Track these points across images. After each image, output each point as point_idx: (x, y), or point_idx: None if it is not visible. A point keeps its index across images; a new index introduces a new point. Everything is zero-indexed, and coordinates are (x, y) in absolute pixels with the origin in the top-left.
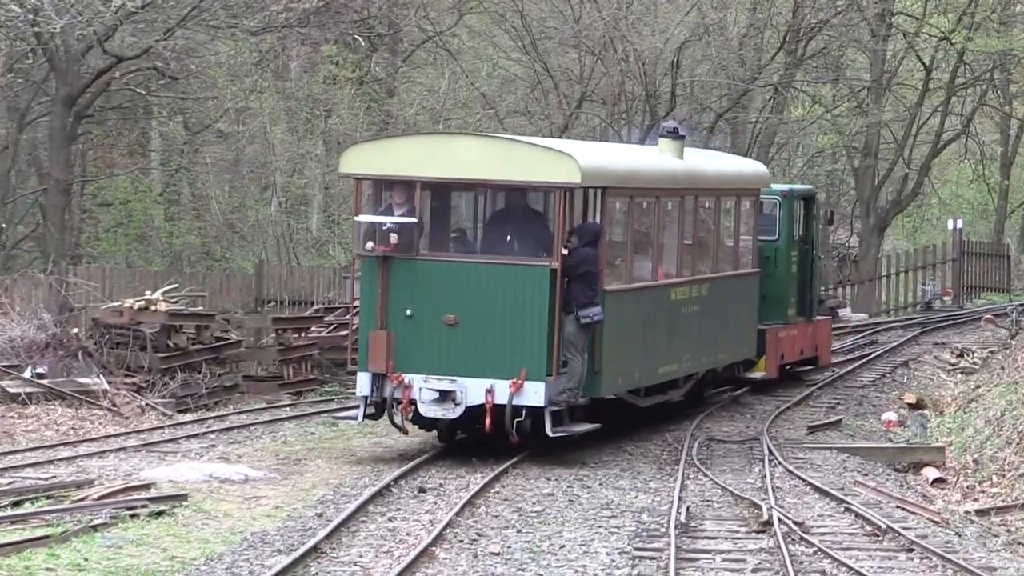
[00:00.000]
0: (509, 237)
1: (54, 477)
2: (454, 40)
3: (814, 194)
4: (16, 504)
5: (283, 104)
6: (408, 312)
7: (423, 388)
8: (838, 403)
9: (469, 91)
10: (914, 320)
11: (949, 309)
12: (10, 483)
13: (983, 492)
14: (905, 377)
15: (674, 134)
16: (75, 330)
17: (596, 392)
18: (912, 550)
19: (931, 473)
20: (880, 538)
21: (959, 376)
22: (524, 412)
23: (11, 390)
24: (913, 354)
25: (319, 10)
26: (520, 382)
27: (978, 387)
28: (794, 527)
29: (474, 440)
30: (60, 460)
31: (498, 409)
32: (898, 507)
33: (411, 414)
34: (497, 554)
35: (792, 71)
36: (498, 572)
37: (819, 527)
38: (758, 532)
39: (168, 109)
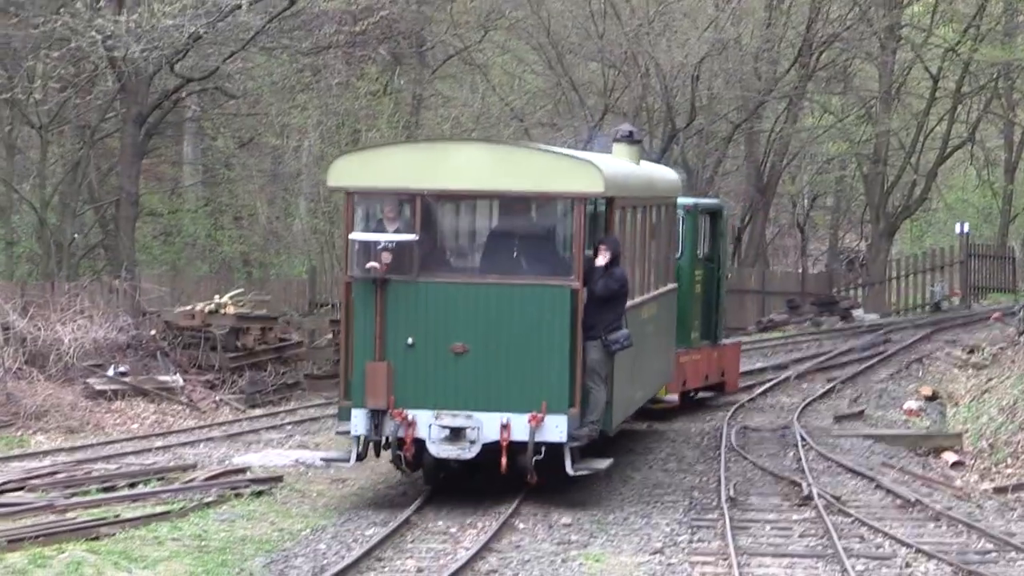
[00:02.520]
0: (516, 254)
1: (155, 463)
2: (480, 55)
3: (721, 208)
4: (132, 485)
5: (326, 120)
6: (409, 340)
7: (433, 425)
8: (859, 396)
9: (500, 106)
10: (925, 320)
11: (957, 309)
12: (117, 468)
13: (999, 473)
14: (920, 372)
15: (630, 138)
16: (152, 332)
17: (609, 425)
18: (939, 519)
19: (950, 457)
20: (910, 510)
21: (970, 371)
22: (543, 449)
23: (98, 387)
24: (926, 351)
25: (366, 31)
26: (540, 416)
27: (990, 380)
28: (832, 500)
29: (459, 479)
30: (157, 449)
31: (514, 446)
32: (923, 484)
33: (412, 454)
34: (569, 525)
35: (804, 83)
36: (573, 539)
37: (854, 501)
38: (800, 505)
39: (217, 124)
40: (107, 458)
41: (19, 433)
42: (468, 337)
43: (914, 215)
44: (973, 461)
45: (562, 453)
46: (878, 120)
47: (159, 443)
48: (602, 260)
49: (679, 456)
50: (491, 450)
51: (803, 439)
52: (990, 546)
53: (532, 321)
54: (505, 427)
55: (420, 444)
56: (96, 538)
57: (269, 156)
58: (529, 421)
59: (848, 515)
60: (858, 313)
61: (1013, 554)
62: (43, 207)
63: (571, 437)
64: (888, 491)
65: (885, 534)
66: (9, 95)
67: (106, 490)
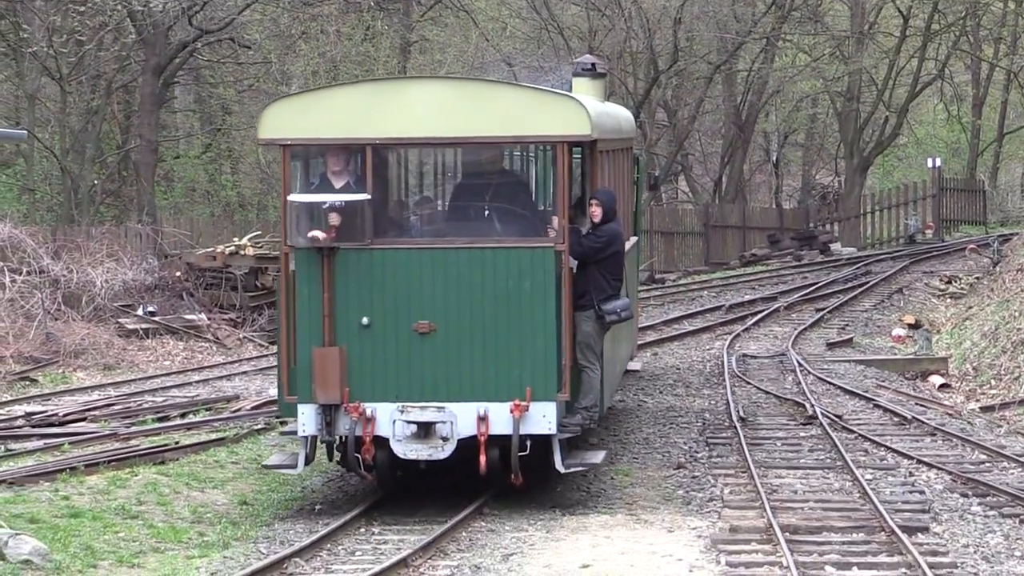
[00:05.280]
0: (488, 212)
1: (198, 395)
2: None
3: (636, 155)
4: (183, 415)
5: (321, 67)
6: (365, 320)
7: (397, 421)
8: (847, 325)
9: (488, 51)
10: (901, 252)
11: (931, 242)
12: (165, 400)
13: (983, 394)
14: (901, 302)
15: (593, 72)
16: (177, 273)
17: (601, 408)
18: (935, 434)
19: (937, 380)
20: (907, 426)
21: (949, 300)
22: (528, 443)
23: (129, 326)
24: (905, 282)
25: None
26: (524, 404)
27: (970, 308)
28: (835, 419)
29: (417, 480)
30: (196, 382)
31: (494, 442)
32: (916, 404)
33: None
34: (594, 444)
35: (781, 24)
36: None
37: (855, 419)
38: (805, 424)
39: (219, 72)
40: (153, 391)
41: (61, 371)
42: (434, 313)
43: (885, 150)
44: (959, 383)
45: (549, 446)
46: (851, 58)
47: (196, 377)
48: (597, 218)
49: (686, 382)
50: (464, 447)
51: (800, 364)
52: (984, 457)
53: (510, 291)
54: (483, 419)
55: (382, 443)
56: (162, 462)
57: (263, 103)
58: (511, 411)
59: (851, 432)
60: (836, 247)
61: (1005, 463)
62: (64, 155)
63: (561, 427)
64: (885, 410)
65: (887, 448)
66: (35, 48)
67: (160, 420)
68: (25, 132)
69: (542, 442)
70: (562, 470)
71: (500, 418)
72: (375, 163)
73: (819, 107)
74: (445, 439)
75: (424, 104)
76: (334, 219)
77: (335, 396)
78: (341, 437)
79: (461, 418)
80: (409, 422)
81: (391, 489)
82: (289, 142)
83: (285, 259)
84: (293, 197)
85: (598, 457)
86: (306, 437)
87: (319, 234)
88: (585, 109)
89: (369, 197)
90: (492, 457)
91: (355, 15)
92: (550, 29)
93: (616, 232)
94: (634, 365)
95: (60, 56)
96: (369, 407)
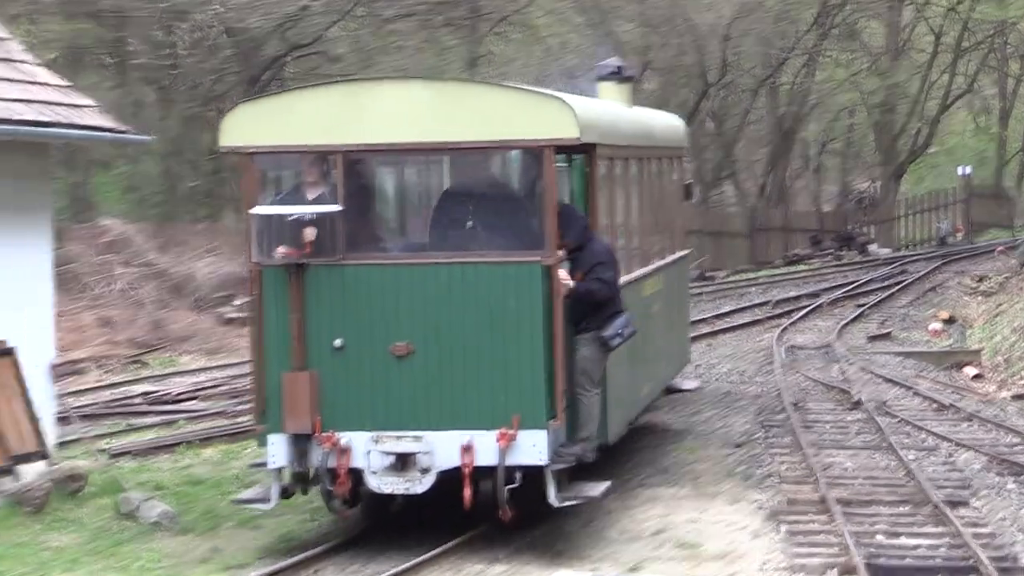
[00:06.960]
0: (471, 224)
1: None
2: (530, 18)
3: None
4: None
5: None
6: (337, 342)
7: (372, 451)
8: (886, 320)
9: (554, 66)
10: (934, 253)
11: (960, 244)
12: None
13: (1014, 383)
14: (936, 299)
15: (618, 75)
16: None
17: (605, 435)
18: (971, 419)
19: (970, 370)
20: (945, 412)
21: (980, 297)
22: (518, 475)
23: (229, 315)
24: (939, 281)
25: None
26: (512, 432)
27: (1000, 305)
28: (879, 405)
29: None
30: None
31: (480, 473)
32: (953, 392)
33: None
34: (665, 429)
35: (822, 41)
36: (669, 436)
37: (897, 405)
38: (851, 409)
39: (304, 83)
40: (248, 375)
41: (169, 355)
42: (413, 334)
43: (918, 158)
44: (991, 374)
45: (543, 478)
46: (887, 73)
47: None
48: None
49: (740, 371)
50: (450, 479)
51: (844, 355)
52: (1016, 440)
53: (494, 309)
54: (467, 449)
55: (357, 476)
56: None
57: None
58: (498, 440)
59: (894, 416)
60: (873, 248)
61: None
62: (165, 158)
63: (555, 457)
64: (925, 397)
65: (928, 431)
66: (143, 60)
67: None
68: (151, 137)
69: (537, 473)
70: (556, 504)
71: (486, 448)
72: (347, 172)
73: (856, 118)
74: (424, 470)
75: (401, 107)
76: (310, 233)
77: (306, 425)
78: (314, 469)
79: (442, 448)
80: (385, 453)
81: (376, 524)
82: (252, 150)
83: (255, 277)
84: (256, 210)
85: (598, 490)
86: (277, 469)
87: (282, 249)
88: (571, 109)
89: (341, 209)
90: (481, 490)
91: (427, 31)
92: (606, 44)
93: (603, 247)
94: (688, 384)
95: (162, 68)
96: (343, 437)
